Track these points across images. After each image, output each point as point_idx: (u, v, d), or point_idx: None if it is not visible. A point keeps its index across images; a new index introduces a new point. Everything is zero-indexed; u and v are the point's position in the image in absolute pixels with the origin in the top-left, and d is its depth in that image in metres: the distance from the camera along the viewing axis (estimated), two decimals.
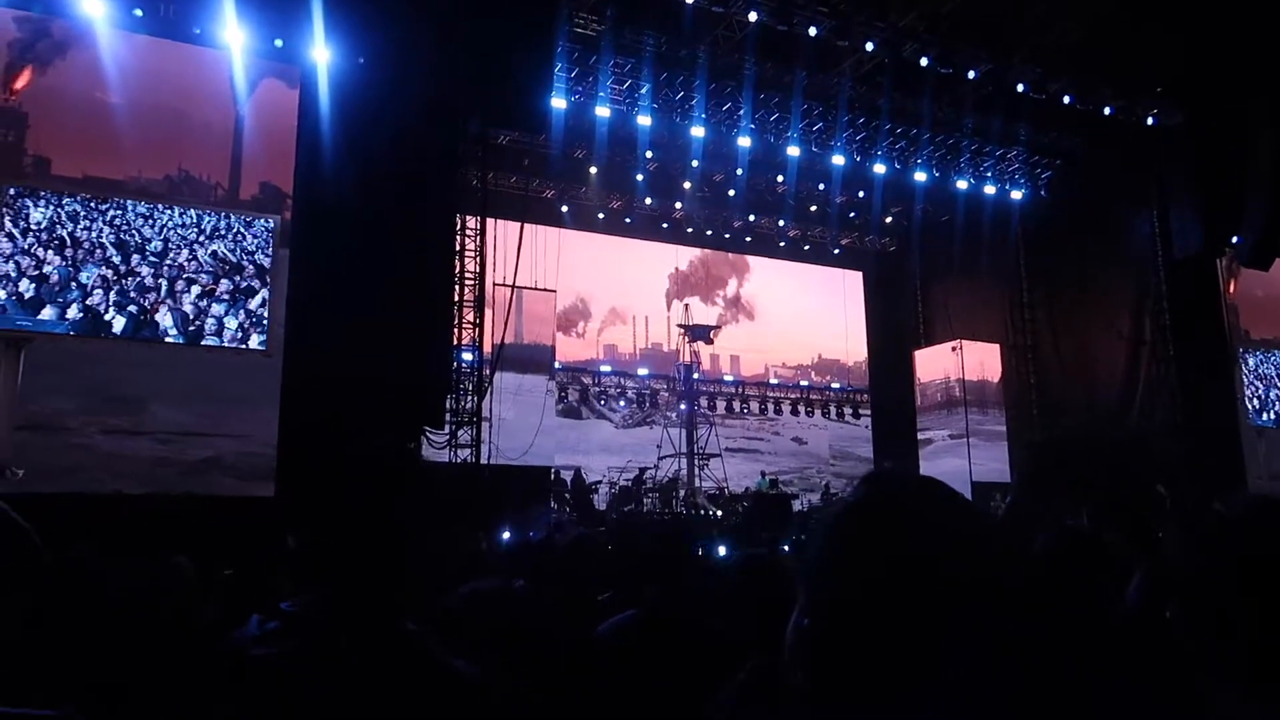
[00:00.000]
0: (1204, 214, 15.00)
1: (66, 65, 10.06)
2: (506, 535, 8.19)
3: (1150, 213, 15.79)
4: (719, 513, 14.79)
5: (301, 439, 9.50)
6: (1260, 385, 16.74)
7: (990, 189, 17.34)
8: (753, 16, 12.63)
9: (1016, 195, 17.68)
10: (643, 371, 18.65)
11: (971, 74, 14.05)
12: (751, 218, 18.89)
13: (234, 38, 10.50)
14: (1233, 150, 14.16)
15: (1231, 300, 16.45)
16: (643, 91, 14.42)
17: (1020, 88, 14.42)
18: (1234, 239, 15.42)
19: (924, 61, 13.68)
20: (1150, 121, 15.22)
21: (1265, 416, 16.49)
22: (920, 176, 16.72)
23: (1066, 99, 14.71)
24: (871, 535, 1.01)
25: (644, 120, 14.66)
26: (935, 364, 19.11)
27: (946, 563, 0.96)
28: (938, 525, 1.00)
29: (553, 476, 14.62)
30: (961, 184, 17.10)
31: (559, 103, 13.75)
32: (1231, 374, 16.01)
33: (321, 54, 10.64)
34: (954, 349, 18.52)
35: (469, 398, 12.41)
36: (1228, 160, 14.33)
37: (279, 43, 10.70)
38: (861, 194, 17.67)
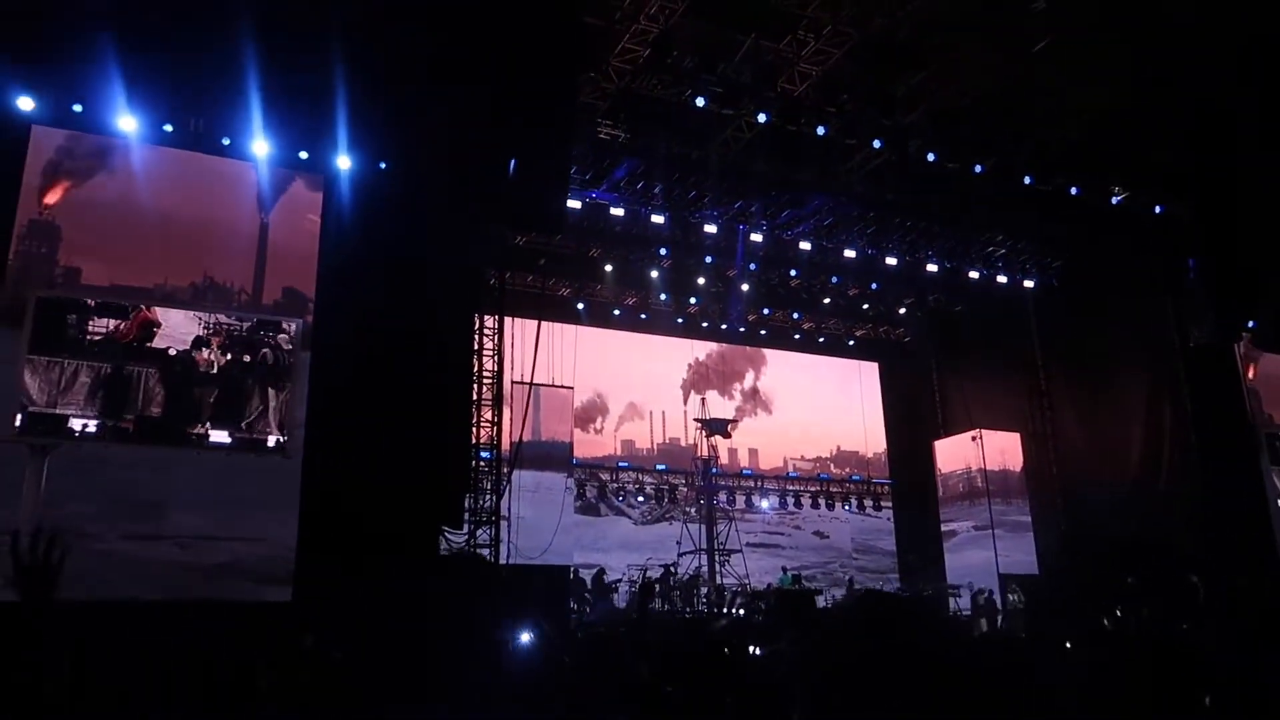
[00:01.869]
0: (1217, 300, 15.03)
1: (98, 178, 10.41)
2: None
3: (1164, 300, 15.82)
4: (741, 610, 14.51)
5: (321, 541, 9.46)
6: None
7: (1002, 279, 17.46)
8: (761, 118, 12.99)
9: (1028, 284, 17.78)
10: (661, 466, 18.55)
11: (978, 168, 14.31)
12: (766, 311, 19.06)
13: (260, 149, 10.87)
14: (1243, 235, 14.26)
15: (1251, 385, 16.33)
16: (655, 191, 14.76)
17: (1027, 180, 14.65)
18: (1249, 323, 15.41)
19: (930, 157, 13.97)
20: (1158, 210, 15.39)
21: None
22: (932, 268, 16.89)
23: (1073, 190, 14.93)
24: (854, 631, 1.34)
25: (657, 219, 14.97)
26: (956, 454, 18.93)
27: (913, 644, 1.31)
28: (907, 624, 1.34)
29: (572, 575, 14.42)
30: (973, 274, 17.24)
31: (574, 203, 14.08)
32: (1257, 459, 15.77)
33: (344, 161, 10.98)
34: (974, 438, 18.37)
35: (487, 496, 12.37)
36: (1239, 245, 14.42)
37: (304, 155, 11.05)
38: (874, 286, 17.83)
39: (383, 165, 11.17)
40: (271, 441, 10.33)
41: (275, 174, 11.10)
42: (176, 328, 10.30)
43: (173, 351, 10.22)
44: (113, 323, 10.08)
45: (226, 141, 10.86)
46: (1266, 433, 16.25)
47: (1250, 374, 16.36)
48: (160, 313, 10.28)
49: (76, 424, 9.64)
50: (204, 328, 10.39)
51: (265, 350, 10.60)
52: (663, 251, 16.26)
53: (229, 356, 10.40)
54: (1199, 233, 14.88)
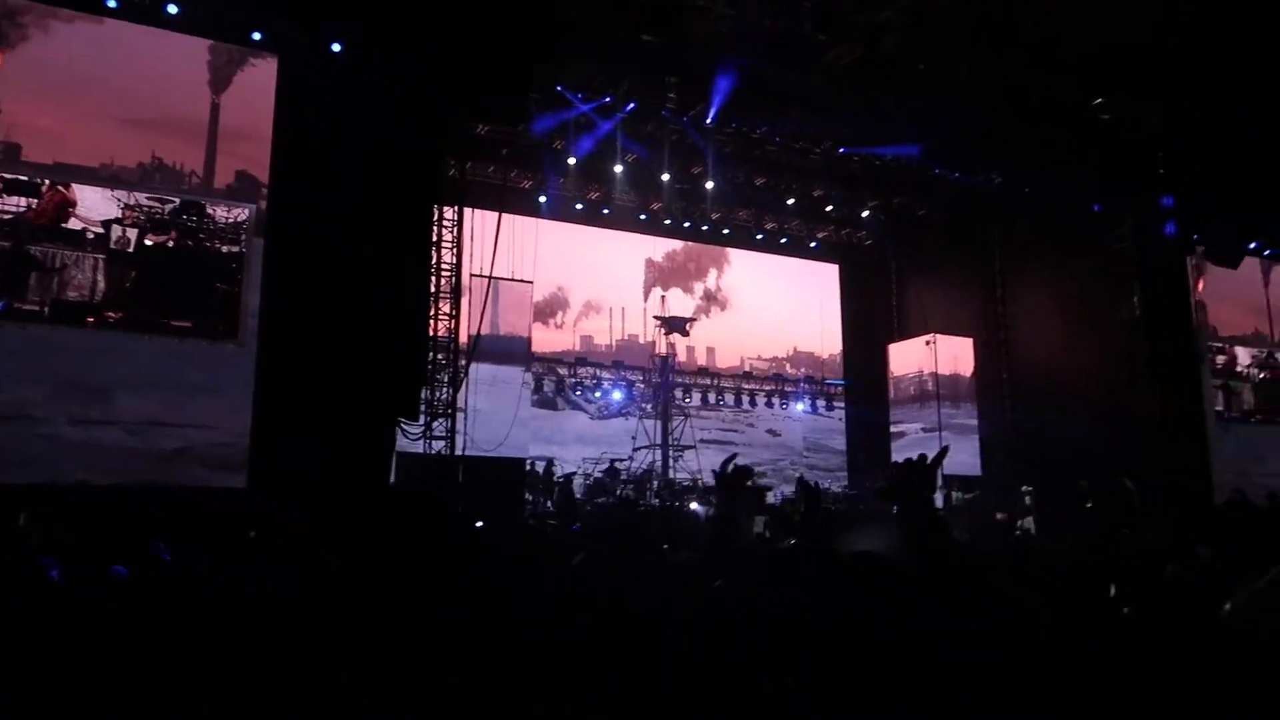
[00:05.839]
0: (1175, 213, 15.20)
1: (39, 51, 9.92)
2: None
3: (1123, 210, 15.94)
4: (694, 504, 14.87)
5: (276, 430, 9.48)
6: (1227, 380, 17.02)
7: (967, 183, 17.34)
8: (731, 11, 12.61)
9: (994, 188, 17.64)
10: (619, 362, 18.67)
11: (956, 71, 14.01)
12: (729, 210, 18.91)
13: (213, 25, 10.40)
14: (1204, 151, 14.32)
15: (1199, 298, 16.69)
16: (622, 87, 14.40)
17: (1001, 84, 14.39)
18: (1204, 236, 15.65)
19: (907, 58, 13.65)
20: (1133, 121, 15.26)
21: (1232, 411, 16.78)
22: (896, 169, 16.78)
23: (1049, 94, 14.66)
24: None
25: (622, 114, 14.66)
26: (909, 357, 19.25)
27: None
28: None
29: (528, 468, 14.62)
30: (938, 176, 17.10)
31: (538, 94, 13.69)
32: (1198, 370, 16.25)
33: (301, 42, 10.56)
34: (928, 343, 18.66)
35: (445, 389, 12.42)
36: (1199, 161, 14.49)
37: (258, 35, 10.60)
38: (838, 188, 17.71)
39: (340, 48, 10.75)
40: (221, 328, 10.20)
41: (229, 53, 10.67)
42: (92, 208, 9.93)
43: (90, 234, 9.86)
44: (24, 201, 9.69)
45: (176, 17, 10.34)
46: (1208, 343, 16.71)
47: (1200, 286, 16.70)
48: (76, 191, 9.90)
49: None
50: (121, 208, 10.00)
51: (186, 234, 10.25)
52: (627, 147, 15.95)
53: (148, 240, 10.05)
54: (1163, 147, 14.86)
